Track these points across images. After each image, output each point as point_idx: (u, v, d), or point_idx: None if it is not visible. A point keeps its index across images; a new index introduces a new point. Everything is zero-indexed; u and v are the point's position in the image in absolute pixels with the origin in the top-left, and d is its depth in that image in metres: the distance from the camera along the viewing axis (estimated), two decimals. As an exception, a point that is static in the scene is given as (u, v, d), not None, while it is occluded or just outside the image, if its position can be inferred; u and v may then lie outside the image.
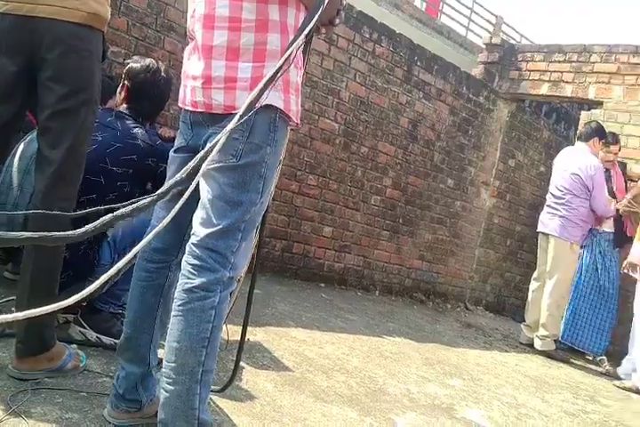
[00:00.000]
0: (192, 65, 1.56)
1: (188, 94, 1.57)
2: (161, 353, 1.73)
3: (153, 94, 2.33)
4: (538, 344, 4.60)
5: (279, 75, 1.34)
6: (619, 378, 4.23)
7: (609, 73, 5.51)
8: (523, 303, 6.63)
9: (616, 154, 4.80)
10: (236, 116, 1.26)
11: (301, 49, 1.58)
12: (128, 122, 2.26)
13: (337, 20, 1.61)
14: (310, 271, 4.67)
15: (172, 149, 1.69)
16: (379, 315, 4.28)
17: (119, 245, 2.22)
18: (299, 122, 1.59)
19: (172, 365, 1.42)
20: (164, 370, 1.44)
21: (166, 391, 1.42)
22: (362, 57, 4.80)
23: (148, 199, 1.11)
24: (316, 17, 1.40)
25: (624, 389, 4.04)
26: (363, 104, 4.87)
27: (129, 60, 2.40)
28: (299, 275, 4.54)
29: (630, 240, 4.62)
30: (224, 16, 1.48)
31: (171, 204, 1.64)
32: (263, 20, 1.47)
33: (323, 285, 4.68)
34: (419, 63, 5.26)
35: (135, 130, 2.25)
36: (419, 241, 5.54)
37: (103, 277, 0.87)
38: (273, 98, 1.48)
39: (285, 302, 3.71)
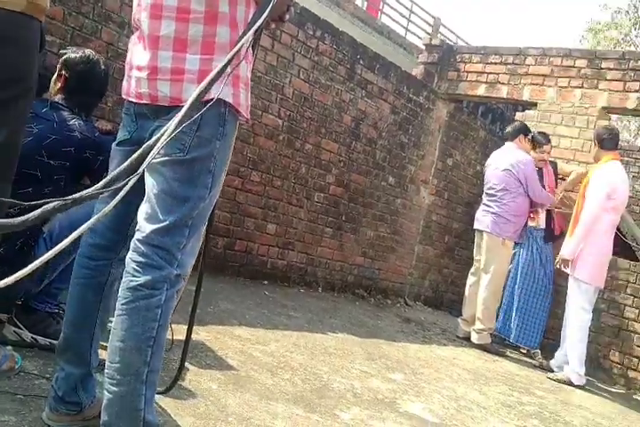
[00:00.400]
0: (137, 55, 1.51)
1: (133, 85, 1.52)
2: (101, 354, 1.68)
3: (91, 86, 2.25)
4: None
5: (228, 69, 1.31)
6: (551, 370, 4.41)
7: (543, 75, 5.69)
8: (460, 298, 6.80)
9: (548, 153, 5.00)
10: (184, 108, 1.22)
11: (250, 44, 1.56)
12: (64, 113, 2.17)
13: (287, 16, 1.60)
14: (253, 269, 4.62)
15: (115, 143, 1.62)
16: (322, 311, 4.30)
17: (56, 241, 2.13)
18: (248, 117, 1.57)
19: (116, 365, 1.38)
20: (107, 371, 1.39)
21: (110, 393, 1.38)
22: (305, 53, 4.79)
23: (91, 189, 1.07)
24: (267, 12, 1.38)
25: (557, 381, 4.21)
26: (306, 101, 4.86)
27: (66, 50, 2.31)
28: (241, 272, 4.48)
29: (561, 236, 4.84)
30: (172, 6, 1.44)
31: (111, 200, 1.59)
32: (212, 12, 1.44)
33: (266, 282, 4.65)
34: (361, 62, 5.30)
35: (72, 121, 2.16)
36: (361, 238, 5.59)
37: (37, 262, 0.83)
38: (222, 92, 1.44)
39: (228, 299, 3.66)
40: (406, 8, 14.14)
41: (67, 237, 2.13)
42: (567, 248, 4.30)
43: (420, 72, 6.40)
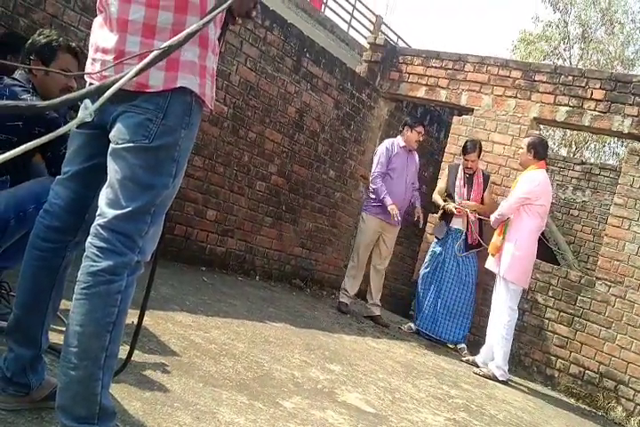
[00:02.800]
0: (103, 38, 1.48)
1: (97, 68, 1.48)
2: (52, 337, 1.61)
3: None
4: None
5: (171, 49, 1.29)
6: (477, 366, 4.57)
7: (480, 82, 5.84)
8: (390, 292, 6.96)
9: (474, 161, 5.17)
10: (117, 84, 1.19)
11: (216, 36, 1.56)
12: (16, 88, 2.10)
13: (253, 13, 1.61)
14: (192, 254, 4.52)
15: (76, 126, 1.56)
16: (260, 300, 4.28)
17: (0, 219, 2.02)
18: (212, 107, 1.58)
19: (74, 349, 1.34)
20: (63, 354, 1.36)
21: (66, 376, 1.34)
22: (253, 42, 4.72)
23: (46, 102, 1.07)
24: (229, 2, 1.38)
25: (482, 376, 4.36)
26: (252, 90, 4.80)
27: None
28: (179, 257, 4.37)
29: (477, 246, 5.07)
30: None
31: (71, 183, 1.54)
32: (183, 1, 1.44)
33: (204, 268, 4.56)
34: (308, 55, 5.29)
35: (24, 96, 2.09)
36: (300, 229, 5.59)
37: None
38: (189, 81, 1.45)
39: (167, 285, 3.57)
40: (350, 3, 14.23)
41: (12, 217, 2.03)
42: (489, 262, 4.57)
43: (363, 70, 6.45)
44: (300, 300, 4.99)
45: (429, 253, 5.33)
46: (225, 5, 1.38)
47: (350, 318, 4.97)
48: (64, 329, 1.44)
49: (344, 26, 13.57)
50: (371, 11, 14.77)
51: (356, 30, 14.10)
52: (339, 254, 6.01)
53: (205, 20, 1.34)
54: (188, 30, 1.29)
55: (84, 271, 1.39)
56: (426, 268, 5.29)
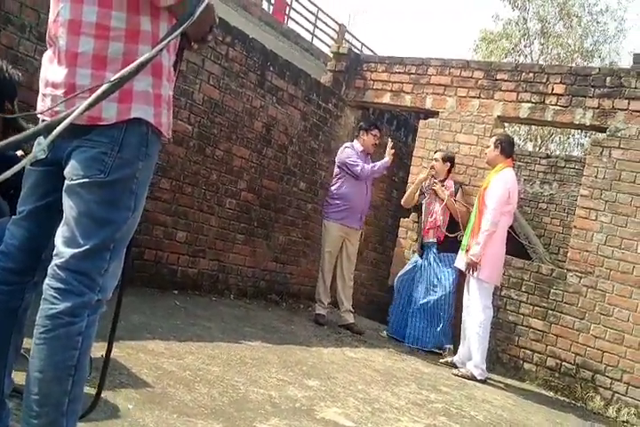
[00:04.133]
0: (53, 72, 1.47)
1: (48, 103, 1.47)
2: (17, 378, 1.60)
3: None
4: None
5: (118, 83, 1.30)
6: (456, 367, 4.62)
7: (444, 85, 5.94)
8: (367, 299, 7.00)
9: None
10: (69, 118, 1.20)
11: (171, 63, 1.56)
12: None
13: (209, 37, 1.60)
14: (163, 278, 4.50)
15: (29, 163, 1.56)
16: (235, 319, 4.27)
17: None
18: (170, 136, 1.57)
19: (35, 397, 1.33)
20: (25, 402, 1.35)
21: (29, 425, 1.33)
22: (215, 60, 4.74)
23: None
24: (183, 26, 1.39)
25: (461, 376, 4.42)
26: (217, 107, 4.82)
27: None
28: (151, 282, 4.35)
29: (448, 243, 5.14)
30: (91, 22, 1.41)
31: (26, 222, 1.53)
32: (134, 31, 1.43)
33: (176, 292, 4.54)
34: (271, 68, 5.32)
35: None
36: (273, 243, 5.61)
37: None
38: (144, 112, 1.45)
39: (138, 312, 3.56)
40: (312, 13, 14.31)
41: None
42: (474, 252, 4.47)
43: (328, 79, 6.51)
44: (277, 315, 5.00)
45: (409, 262, 5.47)
46: (176, 33, 1.39)
47: (328, 329, 5.00)
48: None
49: (308, 36, 13.65)
50: (334, 20, 14.87)
51: (321, 40, 14.20)
52: (313, 265, 6.03)
53: (156, 49, 1.34)
54: (138, 61, 1.30)
55: (42, 314, 1.37)
56: (403, 274, 5.40)
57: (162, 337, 3.18)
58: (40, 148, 1.30)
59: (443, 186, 5.30)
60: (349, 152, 5.22)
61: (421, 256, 5.33)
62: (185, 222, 4.66)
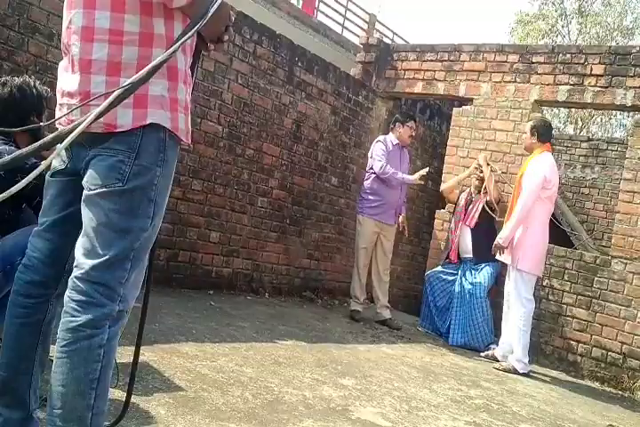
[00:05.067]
0: (68, 81, 1.45)
1: (65, 112, 1.46)
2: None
3: (10, 114, 2.20)
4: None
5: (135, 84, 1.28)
6: (497, 360, 4.55)
7: (477, 71, 5.83)
8: (404, 293, 6.95)
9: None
10: (82, 125, 1.20)
11: (188, 66, 1.52)
12: None
13: (225, 37, 1.55)
14: (198, 279, 4.55)
15: (49, 173, 1.56)
16: (270, 318, 4.28)
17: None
18: (189, 141, 1.53)
19: (59, 411, 1.33)
20: (48, 417, 1.35)
21: None
22: (243, 58, 4.74)
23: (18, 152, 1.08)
24: (196, 28, 1.36)
25: (502, 370, 4.35)
26: (246, 106, 4.82)
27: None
28: (186, 284, 4.41)
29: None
30: (104, 28, 1.39)
31: (48, 234, 1.54)
32: (147, 34, 1.41)
33: (211, 292, 4.58)
34: (300, 64, 5.29)
35: (1, 147, 2.11)
36: (306, 240, 5.60)
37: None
38: (160, 117, 1.42)
39: (173, 314, 3.59)
40: (342, 5, 14.16)
41: (0, 271, 2.04)
42: (503, 235, 4.43)
43: (358, 71, 6.44)
44: (312, 312, 5.00)
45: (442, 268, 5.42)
46: (189, 34, 1.36)
47: (364, 325, 4.98)
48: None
49: (338, 28, 13.53)
50: (364, 10, 14.69)
51: (351, 31, 14.04)
52: (347, 261, 6.01)
53: (169, 52, 1.31)
54: (151, 64, 1.28)
55: (64, 328, 1.36)
56: (438, 273, 5.36)
57: (196, 339, 3.20)
58: (52, 156, 1.28)
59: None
60: (379, 147, 5.14)
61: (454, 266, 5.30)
62: (218, 223, 4.69)
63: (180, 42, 1.33)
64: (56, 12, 3.46)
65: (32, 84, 2.27)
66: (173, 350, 2.91)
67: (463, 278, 5.16)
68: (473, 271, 5.15)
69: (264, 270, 5.19)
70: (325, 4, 13.97)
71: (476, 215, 5.20)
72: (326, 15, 13.91)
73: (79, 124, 1.21)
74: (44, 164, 1.24)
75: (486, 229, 5.13)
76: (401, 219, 5.31)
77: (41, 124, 2.19)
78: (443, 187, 5.66)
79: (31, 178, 1.10)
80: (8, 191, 1.04)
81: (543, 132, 4.55)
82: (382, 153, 5.06)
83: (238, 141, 4.80)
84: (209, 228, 4.62)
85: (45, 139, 1.23)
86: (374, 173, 5.06)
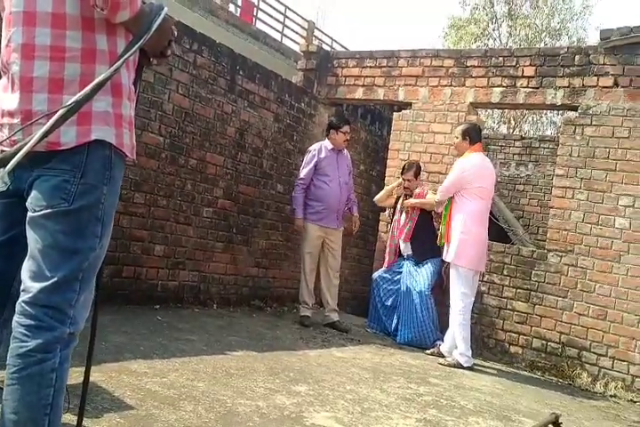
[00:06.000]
0: (8, 100, 1.43)
1: (5, 133, 1.44)
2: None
3: None
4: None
5: (79, 102, 1.30)
6: (443, 356, 4.68)
7: (415, 76, 6.00)
8: (352, 295, 7.04)
9: (410, 181, 5.44)
10: (27, 145, 1.22)
11: (131, 81, 1.53)
12: None
13: (168, 51, 1.57)
14: (143, 294, 4.48)
15: None
16: (219, 330, 4.26)
17: None
18: (134, 157, 1.54)
19: None
20: None
21: None
22: (183, 68, 4.72)
23: None
24: (139, 43, 1.38)
25: (448, 366, 4.48)
26: (188, 116, 4.80)
27: None
28: (131, 299, 4.33)
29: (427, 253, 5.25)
30: (45, 45, 1.38)
31: None
32: (90, 50, 1.40)
33: (158, 306, 4.52)
34: (241, 72, 5.31)
35: None
36: (253, 248, 5.61)
37: None
38: (105, 133, 1.42)
39: (119, 332, 3.53)
40: (280, 13, 14.22)
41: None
42: (449, 253, 4.63)
43: (299, 79, 6.51)
44: (261, 321, 5.01)
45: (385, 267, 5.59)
46: (132, 51, 1.38)
47: (314, 330, 5.03)
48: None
49: (278, 36, 13.58)
50: (302, 17, 14.79)
51: (290, 39, 14.12)
52: (296, 267, 6.05)
53: (112, 69, 1.33)
54: (95, 82, 1.29)
55: (13, 353, 1.34)
56: (384, 272, 5.52)
57: (144, 356, 3.16)
58: None
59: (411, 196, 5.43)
60: (307, 158, 5.27)
61: (399, 266, 5.45)
62: (162, 235, 4.64)
63: (123, 58, 1.35)
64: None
65: None
66: (122, 368, 2.87)
67: (407, 276, 5.31)
68: (415, 269, 5.30)
69: (211, 281, 5.17)
70: (264, 11, 14.00)
71: (408, 230, 5.40)
72: (265, 23, 13.95)
73: (23, 146, 1.21)
74: None
75: (425, 226, 5.30)
76: (353, 219, 5.43)
77: None
78: (375, 198, 5.87)
79: None
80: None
81: (473, 135, 4.74)
82: (308, 167, 5.20)
83: (181, 152, 4.77)
84: (153, 241, 4.57)
85: None
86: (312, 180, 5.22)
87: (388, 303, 5.41)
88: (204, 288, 5.10)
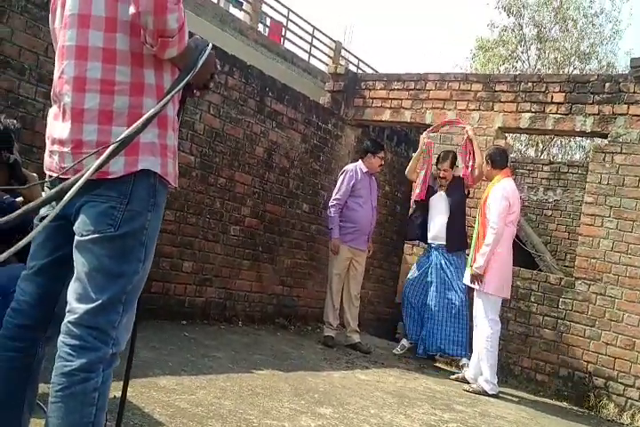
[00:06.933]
0: (59, 129, 1.49)
1: (56, 160, 1.50)
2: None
3: None
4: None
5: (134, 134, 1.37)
6: (467, 382, 4.62)
7: (443, 99, 6.02)
8: (376, 317, 7.01)
9: (446, 171, 5.32)
10: (85, 175, 1.28)
11: (175, 112, 1.58)
12: None
13: (211, 84, 1.62)
14: (171, 309, 4.53)
15: (37, 218, 1.59)
16: (245, 347, 4.28)
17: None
18: (176, 185, 1.59)
19: None
20: None
21: None
22: (215, 89, 4.81)
23: (5, 219, 1.19)
24: (186, 80, 1.44)
25: (472, 392, 4.43)
26: (218, 135, 4.89)
27: None
28: (159, 315, 4.37)
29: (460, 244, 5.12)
30: (96, 78, 1.44)
31: (37, 278, 1.57)
32: (138, 84, 1.46)
33: (185, 322, 4.56)
34: (271, 94, 5.40)
35: None
36: (279, 267, 5.64)
37: None
38: (151, 163, 1.47)
39: (148, 347, 3.56)
40: (308, 33, 14.43)
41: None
42: (478, 264, 4.49)
43: (327, 100, 6.59)
44: (286, 339, 5.02)
45: (415, 265, 5.44)
46: (180, 86, 1.44)
47: (337, 351, 5.02)
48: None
49: (305, 56, 13.77)
50: (329, 37, 14.99)
51: (317, 58, 14.32)
52: (320, 287, 6.05)
53: (160, 104, 1.40)
54: (144, 117, 1.34)
55: (58, 372, 1.37)
56: (411, 276, 5.38)
57: (173, 372, 3.20)
58: (54, 212, 1.32)
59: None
60: (346, 177, 5.25)
61: (427, 257, 5.29)
62: (190, 252, 4.70)
63: (171, 94, 1.41)
64: (28, 47, 3.50)
65: None
66: (151, 384, 2.90)
67: (437, 268, 5.16)
68: (446, 262, 5.16)
69: (237, 299, 5.20)
70: (292, 31, 14.22)
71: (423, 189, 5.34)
72: (293, 43, 14.16)
73: (75, 181, 1.27)
74: (45, 222, 1.31)
75: (461, 219, 5.24)
76: (369, 243, 5.42)
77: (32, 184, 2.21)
78: (407, 171, 5.62)
79: (30, 238, 1.14)
80: (15, 246, 1.09)
81: (498, 160, 4.72)
82: (345, 187, 5.19)
83: (210, 171, 4.85)
84: (182, 257, 4.62)
85: (50, 193, 1.30)
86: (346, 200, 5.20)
87: (418, 300, 5.25)
88: (230, 305, 5.13)
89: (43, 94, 3.55)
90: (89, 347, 1.39)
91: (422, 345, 5.20)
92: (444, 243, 5.20)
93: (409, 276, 5.43)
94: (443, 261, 5.18)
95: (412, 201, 5.60)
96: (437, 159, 5.40)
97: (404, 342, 5.44)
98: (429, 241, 5.31)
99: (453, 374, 4.90)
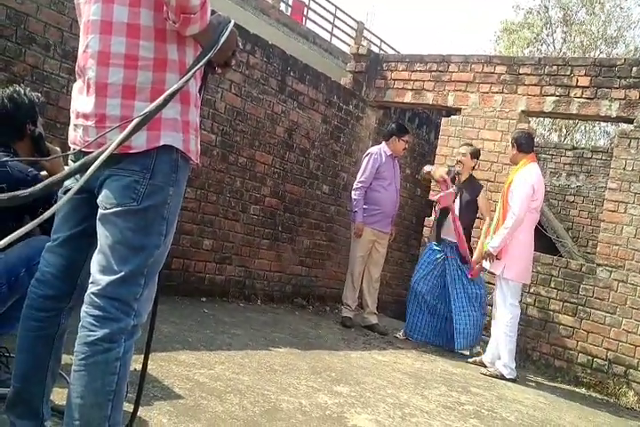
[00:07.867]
0: (82, 103, 1.50)
1: (80, 133, 1.51)
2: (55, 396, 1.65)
3: (8, 126, 2.22)
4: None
5: (156, 110, 1.36)
6: (485, 366, 4.61)
7: (466, 81, 5.93)
8: (394, 299, 7.01)
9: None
10: (108, 150, 1.29)
11: (197, 89, 1.58)
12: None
13: (232, 61, 1.62)
14: (191, 286, 4.58)
15: (62, 190, 1.60)
16: (263, 325, 4.32)
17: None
18: (198, 161, 1.59)
19: (77, 423, 1.37)
20: None
21: None
22: (236, 68, 4.78)
23: (29, 190, 1.24)
24: (208, 56, 1.43)
25: (490, 376, 4.41)
26: (239, 114, 4.87)
27: None
28: (179, 291, 4.42)
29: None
30: (120, 53, 1.44)
31: (61, 249, 1.59)
32: (161, 59, 1.46)
33: (204, 299, 4.61)
34: (292, 73, 5.36)
35: (4, 158, 2.14)
36: (297, 247, 5.65)
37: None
38: (173, 139, 1.48)
39: (168, 322, 3.61)
40: (330, 13, 14.28)
41: (4, 284, 2.08)
42: (494, 244, 4.44)
43: (348, 81, 6.52)
44: (304, 319, 5.05)
45: (424, 260, 5.24)
46: (202, 63, 1.43)
47: (355, 331, 5.04)
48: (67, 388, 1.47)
49: (327, 36, 13.65)
50: (352, 17, 14.82)
51: (339, 39, 14.17)
52: (339, 268, 6.07)
53: (183, 80, 1.39)
54: (167, 93, 1.34)
55: (81, 342, 1.40)
56: (422, 273, 5.20)
57: (192, 347, 3.23)
58: (78, 184, 1.33)
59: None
60: (370, 159, 5.18)
61: (441, 251, 5.14)
62: (211, 230, 4.73)
63: (193, 70, 1.40)
64: (53, 23, 3.50)
65: (22, 92, 2.28)
66: (171, 358, 2.93)
67: (452, 262, 5.08)
68: (459, 258, 5.08)
69: (256, 277, 5.23)
70: (314, 11, 14.08)
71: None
72: (315, 23, 14.03)
73: (99, 155, 1.27)
74: (68, 195, 1.32)
75: (466, 219, 5.09)
76: (392, 226, 5.39)
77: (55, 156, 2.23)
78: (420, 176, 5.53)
79: (55, 210, 1.15)
80: (40, 218, 1.10)
81: (524, 143, 4.62)
82: (370, 169, 5.13)
83: (231, 150, 4.84)
84: (202, 235, 4.65)
85: (74, 166, 1.30)
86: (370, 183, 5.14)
87: (429, 294, 5.14)
88: (249, 284, 5.16)
89: (67, 70, 3.56)
90: (111, 318, 1.41)
91: (441, 338, 5.16)
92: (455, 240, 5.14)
93: (417, 273, 5.23)
94: (456, 256, 5.11)
95: (434, 205, 5.40)
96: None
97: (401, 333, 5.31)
98: (442, 236, 5.15)
99: (471, 357, 4.89)
